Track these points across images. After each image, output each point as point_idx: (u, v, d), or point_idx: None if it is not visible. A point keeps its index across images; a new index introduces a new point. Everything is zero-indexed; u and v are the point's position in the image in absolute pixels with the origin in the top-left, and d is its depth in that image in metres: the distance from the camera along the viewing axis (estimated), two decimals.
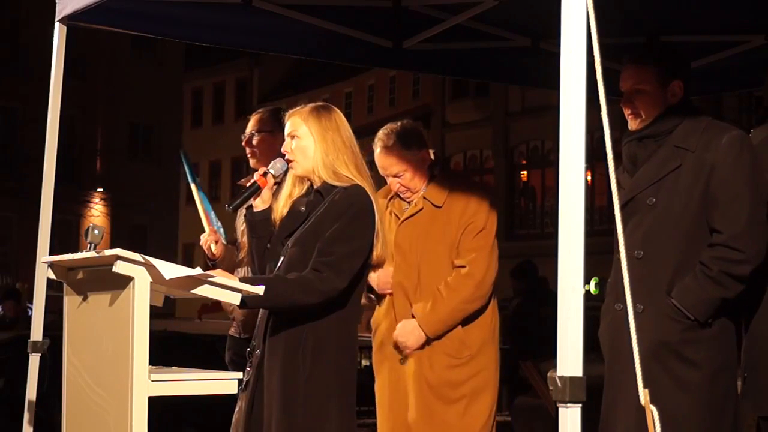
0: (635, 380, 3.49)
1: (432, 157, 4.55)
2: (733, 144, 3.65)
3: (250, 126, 4.89)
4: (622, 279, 3.65)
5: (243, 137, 4.90)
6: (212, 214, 5.03)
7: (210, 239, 4.72)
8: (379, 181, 4.51)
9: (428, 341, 4.42)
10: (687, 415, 3.55)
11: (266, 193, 3.79)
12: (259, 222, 3.77)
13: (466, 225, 4.43)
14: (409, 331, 4.40)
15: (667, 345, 3.60)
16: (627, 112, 3.82)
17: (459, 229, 4.43)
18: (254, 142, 4.84)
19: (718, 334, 3.65)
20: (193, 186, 5.12)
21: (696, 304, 3.59)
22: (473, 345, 4.43)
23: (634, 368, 3.52)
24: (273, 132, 4.77)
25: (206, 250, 4.73)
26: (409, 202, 4.55)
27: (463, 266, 4.41)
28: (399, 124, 4.56)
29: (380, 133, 4.50)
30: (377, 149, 4.50)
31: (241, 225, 4.90)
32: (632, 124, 3.82)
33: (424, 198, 4.49)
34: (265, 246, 3.75)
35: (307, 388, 3.51)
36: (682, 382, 3.60)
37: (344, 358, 3.59)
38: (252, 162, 4.88)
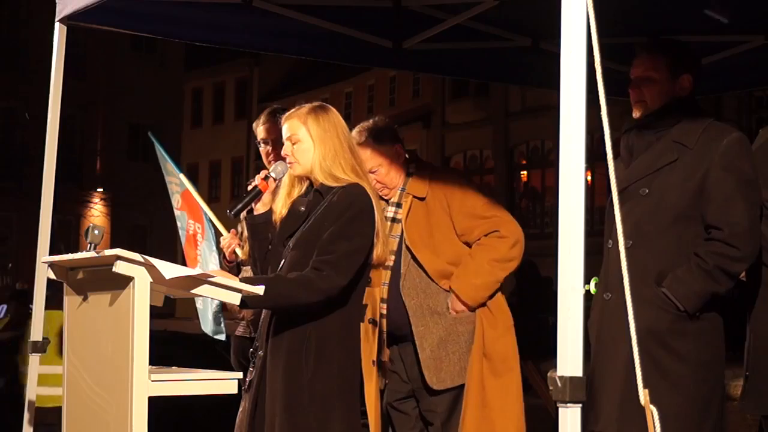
0: (621, 368, 3.51)
1: (406, 154, 4.60)
2: (733, 146, 3.67)
3: (264, 134, 4.82)
4: (610, 269, 3.69)
5: (262, 142, 4.83)
6: (204, 206, 5.05)
7: (234, 242, 4.69)
8: None
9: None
10: (672, 408, 3.54)
11: (267, 197, 3.79)
12: (260, 225, 3.77)
13: (461, 210, 4.48)
14: (454, 301, 4.45)
15: (655, 334, 3.61)
16: (633, 98, 3.84)
17: (456, 216, 4.47)
18: (276, 151, 4.77)
19: (705, 328, 3.67)
20: (183, 177, 5.11)
21: (688, 295, 3.60)
22: (509, 318, 4.53)
23: (620, 357, 3.54)
24: None
25: (228, 254, 4.70)
26: (387, 201, 4.56)
27: (494, 231, 4.45)
28: (371, 121, 4.62)
29: (353, 132, 4.54)
30: None
31: None
32: (636, 112, 3.85)
33: (409, 194, 4.53)
34: (267, 249, 3.74)
35: (311, 387, 3.50)
36: (668, 375, 3.61)
37: (347, 358, 3.59)
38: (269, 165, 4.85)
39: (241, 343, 4.92)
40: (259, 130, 4.87)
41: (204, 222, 5.10)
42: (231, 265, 4.65)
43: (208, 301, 5.13)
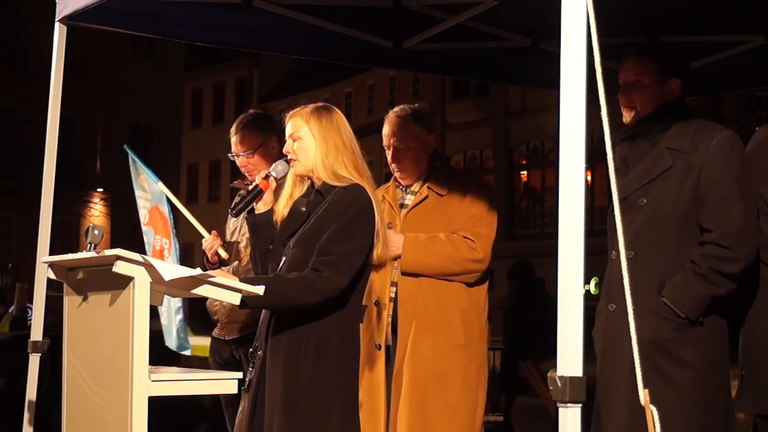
0: (627, 380, 3.50)
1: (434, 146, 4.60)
2: (723, 145, 3.67)
3: (238, 146, 4.74)
4: (614, 279, 3.68)
5: (233, 157, 4.77)
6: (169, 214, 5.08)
7: (216, 243, 4.67)
8: (379, 181, 4.52)
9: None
10: (678, 415, 3.55)
11: (268, 196, 3.78)
12: (262, 224, 3.76)
13: (466, 212, 4.46)
14: (396, 239, 4.36)
15: (658, 343, 3.60)
16: (623, 103, 3.84)
17: (460, 216, 4.45)
18: (252, 162, 4.73)
19: (709, 332, 3.66)
20: (161, 186, 5.11)
21: (687, 302, 3.59)
22: (461, 337, 4.43)
23: (625, 368, 3.53)
24: (264, 143, 4.73)
25: (211, 256, 4.67)
26: (404, 189, 4.55)
27: (472, 239, 4.42)
28: (416, 103, 4.65)
29: (395, 108, 4.58)
30: (387, 119, 4.55)
31: (231, 226, 4.88)
32: (626, 117, 3.85)
33: (428, 188, 4.51)
34: (268, 248, 3.74)
35: (310, 387, 3.50)
36: (672, 382, 3.61)
37: (346, 358, 3.59)
38: (250, 178, 4.79)
39: (215, 344, 4.90)
40: (232, 142, 4.79)
41: (171, 238, 5.11)
42: (212, 267, 4.62)
43: (171, 315, 5.14)
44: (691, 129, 3.73)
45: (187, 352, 5.19)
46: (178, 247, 5.08)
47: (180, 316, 5.07)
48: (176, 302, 4.98)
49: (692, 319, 3.61)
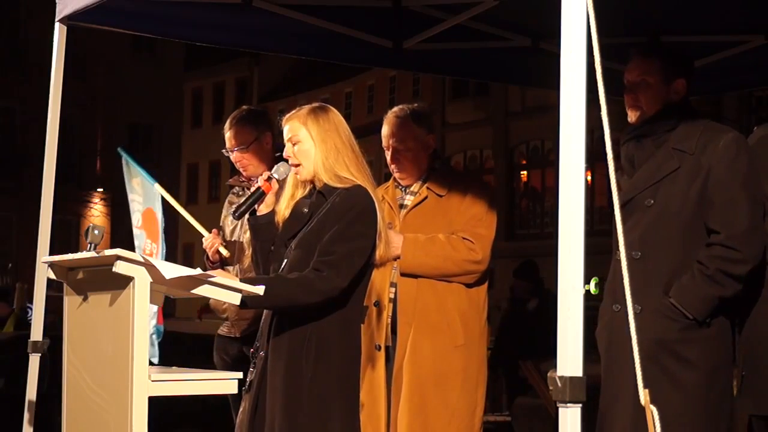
0: (632, 380, 3.50)
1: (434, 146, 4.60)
2: (730, 146, 3.67)
3: (232, 141, 4.75)
4: (619, 279, 3.68)
5: (227, 152, 4.77)
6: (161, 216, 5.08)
7: (216, 242, 4.67)
8: (379, 181, 4.52)
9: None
10: (683, 415, 3.55)
11: (270, 197, 3.78)
12: (263, 226, 3.76)
13: (466, 213, 4.46)
14: (395, 240, 4.34)
15: (664, 343, 3.61)
16: (628, 103, 3.84)
17: (459, 217, 4.45)
18: (245, 157, 4.73)
19: (715, 333, 3.66)
20: (157, 187, 5.11)
21: (694, 303, 3.60)
22: (461, 338, 4.43)
23: (631, 368, 3.53)
24: (258, 139, 4.73)
25: (211, 254, 4.67)
26: (404, 189, 4.55)
27: (471, 240, 4.41)
28: (415, 103, 4.63)
29: (394, 108, 4.56)
30: (386, 120, 4.53)
31: (230, 224, 4.88)
32: (632, 116, 3.85)
33: (428, 188, 4.50)
34: (269, 249, 3.74)
35: (311, 388, 3.50)
36: (678, 382, 3.61)
37: (347, 358, 3.59)
38: (245, 174, 4.79)
39: (222, 342, 4.90)
40: (226, 137, 4.78)
41: (159, 242, 5.11)
42: (213, 266, 4.62)
43: (146, 320, 5.11)
44: (698, 130, 3.73)
45: (155, 359, 5.10)
46: (165, 252, 5.08)
47: (154, 321, 5.05)
48: (152, 307, 4.97)
49: (699, 319, 3.62)
